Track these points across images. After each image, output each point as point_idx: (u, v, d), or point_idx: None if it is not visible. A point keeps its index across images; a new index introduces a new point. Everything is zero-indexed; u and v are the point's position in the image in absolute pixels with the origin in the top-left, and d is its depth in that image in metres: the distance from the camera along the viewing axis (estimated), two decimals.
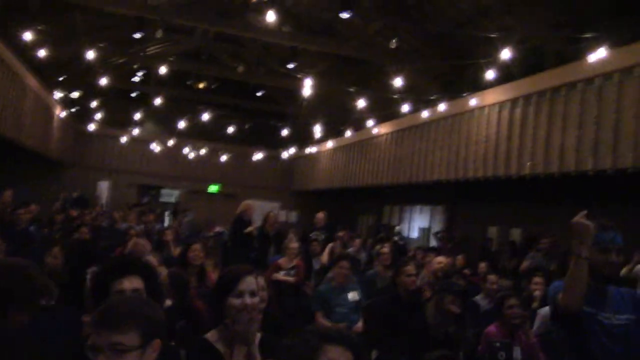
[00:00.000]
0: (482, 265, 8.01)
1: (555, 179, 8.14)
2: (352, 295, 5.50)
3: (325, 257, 7.84)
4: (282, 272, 6.50)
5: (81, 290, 4.09)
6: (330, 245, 8.20)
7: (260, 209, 11.15)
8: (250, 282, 2.33)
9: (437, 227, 14.24)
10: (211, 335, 2.35)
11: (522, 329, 4.22)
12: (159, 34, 11.34)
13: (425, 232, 14.98)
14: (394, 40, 10.21)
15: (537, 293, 5.48)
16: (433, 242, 13.45)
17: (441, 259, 6.36)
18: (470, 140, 10.05)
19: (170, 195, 21.72)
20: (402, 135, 12.79)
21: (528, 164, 8.47)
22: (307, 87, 11.71)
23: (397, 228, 15.25)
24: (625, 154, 6.82)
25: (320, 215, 9.24)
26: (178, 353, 2.41)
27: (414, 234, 15.51)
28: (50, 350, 2.71)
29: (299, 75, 12.49)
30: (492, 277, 6.02)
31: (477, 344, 4.23)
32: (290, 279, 6.49)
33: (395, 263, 7.09)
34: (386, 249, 6.74)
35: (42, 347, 2.56)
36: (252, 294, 2.31)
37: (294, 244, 7.21)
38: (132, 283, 2.25)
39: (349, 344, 1.64)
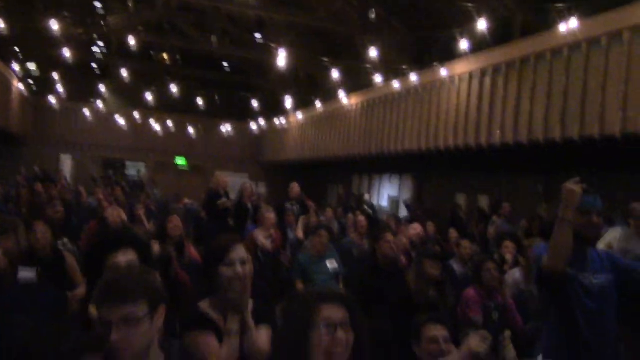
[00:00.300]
0: (452, 232, 8.22)
1: (524, 147, 8.34)
2: (331, 264, 5.58)
3: (299, 231, 7.87)
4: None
5: (64, 268, 4.06)
6: (302, 218, 8.25)
7: (229, 182, 11.08)
8: (240, 251, 2.35)
9: (406, 196, 14.45)
10: (204, 304, 2.37)
11: (499, 291, 4.38)
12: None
13: (394, 201, 15.19)
14: (372, 11, 10.15)
15: (508, 257, 5.66)
16: (403, 211, 13.66)
17: (417, 226, 6.48)
18: (440, 110, 10.18)
19: (135, 168, 21.38)
20: (373, 106, 12.85)
21: (498, 132, 8.65)
22: (279, 59, 11.59)
23: (366, 197, 15.40)
24: (592, 123, 7.02)
25: (295, 186, 9.24)
26: (174, 321, 2.44)
27: (384, 203, 15.71)
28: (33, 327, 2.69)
29: (272, 45, 12.33)
30: (465, 243, 6.18)
31: (455, 306, 4.37)
32: (268, 245, 6.53)
33: (370, 232, 7.23)
34: (362, 217, 6.82)
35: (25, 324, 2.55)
36: (243, 262, 2.33)
37: (270, 214, 7.21)
38: (126, 256, 2.25)
39: (344, 302, 1.71)
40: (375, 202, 15.40)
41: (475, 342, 2.14)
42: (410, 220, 9.97)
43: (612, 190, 7.21)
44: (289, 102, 15.12)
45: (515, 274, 5.14)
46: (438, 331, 2.62)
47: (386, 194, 15.79)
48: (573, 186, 2.51)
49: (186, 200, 16.12)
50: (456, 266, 5.97)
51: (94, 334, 1.53)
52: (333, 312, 1.65)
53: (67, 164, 19.23)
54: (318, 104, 15.35)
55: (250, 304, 2.34)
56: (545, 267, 2.57)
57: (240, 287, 2.25)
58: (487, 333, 2.18)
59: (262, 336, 2.29)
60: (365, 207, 13.43)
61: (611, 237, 6.88)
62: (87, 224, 7.12)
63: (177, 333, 2.37)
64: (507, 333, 2.24)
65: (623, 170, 7.99)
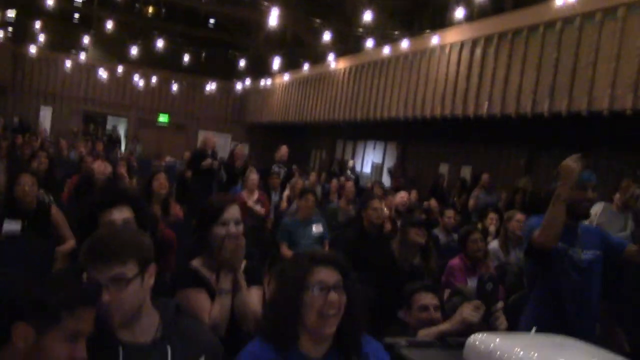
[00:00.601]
0: (433, 202, 8.30)
1: (511, 120, 8.38)
2: (316, 228, 5.61)
3: (284, 201, 7.84)
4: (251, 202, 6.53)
5: (49, 220, 4.00)
6: (289, 185, 8.25)
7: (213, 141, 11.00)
8: (234, 211, 2.36)
9: (390, 163, 14.50)
10: (196, 263, 2.38)
11: (483, 261, 4.44)
12: None
13: (378, 167, 15.24)
14: None
15: (492, 228, 5.75)
16: (385, 178, 13.74)
17: (403, 194, 6.53)
18: (429, 78, 10.13)
19: (117, 123, 21.03)
20: (361, 71, 12.74)
21: (485, 104, 8.66)
22: (271, 17, 11.35)
23: (349, 163, 15.44)
24: (581, 97, 7.06)
25: (283, 148, 9.20)
26: (161, 279, 2.42)
27: (367, 169, 15.76)
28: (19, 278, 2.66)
29: (264, 3, 12.06)
30: (449, 212, 6.26)
31: (439, 275, 4.43)
32: (260, 209, 6.54)
33: (356, 198, 7.27)
34: (350, 183, 6.84)
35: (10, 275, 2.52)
36: (237, 222, 2.34)
37: (254, 176, 7.19)
38: (122, 213, 2.21)
39: (337, 265, 1.73)
40: (358, 169, 15.46)
41: (468, 311, 2.17)
42: (393, 188, 10.06)
43: (597, 167, 7.32)
44: (275, 63, 14.88)
45: (493, 245, 5.22)
46: (429, 299, 2.66)
47: (370, 160, 15.82)
48: (572, 163, 2.52)
49: (168, 158, 16.01)
50: (440, 235, 6.05)
51: (88, 286, 1.48)
52: (326, 275, 1.68)
53: (46, 115, 18.83)
54: (305, 67, 15.16)
55: (243, 263, 2.35)
56: (536, 241, 2.60)
57: (233, 247, 2.25)
58: (480, 303, 2.21)
59: (254, 296, 2.31)
60: (349, 172, 13.50)
61: (592, 212, 6.99)
62: (68, 177, 7.03)
63: (166, 291, 2.37)
64: (500, 304, 2.26)
65: (610, 148, 8.08)
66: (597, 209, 6.07)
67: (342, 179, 10.20)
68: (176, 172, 11.03)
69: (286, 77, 16.84)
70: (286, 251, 5.50)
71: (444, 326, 2.21)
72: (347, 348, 1.71)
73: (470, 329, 2.10)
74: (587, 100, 6.97)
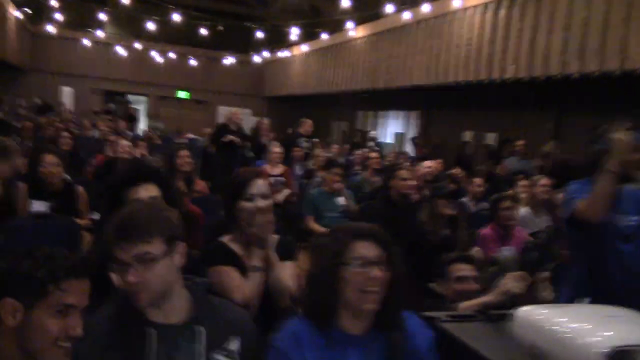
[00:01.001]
0: (458, 170, 8.15)
1: (539, 83, 8.11)
2: (342, 200, 5.53)
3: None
4: (271, 179, 6.46)
5: (75, 201, 3.99)
6: (313, 154, 8.19)
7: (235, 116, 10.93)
8: (261, 185, 2.28)
9: (412, 132, 14.28)
10: (226, 239, 2.32)
11: (515, 229, 4.34)
12: None
13: (400, 137, 15.04)
14: None
15: (523, 195, 5.60)
16: (408, 148, 13.55)
17: (430, 163, 6.39)
18: (451, 43, 9.85)
19: (137, 102, 21.05)
20: (381, 38, 12.45)
21: (512, 67, 8.39)
22: None
23: (372, 133, 15.25)
24: (612, 57, 6.77)
25: (308, 121, 9.13)
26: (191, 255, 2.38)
27: (389, 139, 15.56)
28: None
29: None
30: (477, 180, 6.12)
31: (470, 245, 4.34)
32: (286, 190, 6.49)
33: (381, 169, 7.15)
34: (375, 154, 6.73)
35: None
36: (264, 196, 2.27)
37: (277, 149, 7.14)
38: (148, 191, 2.15)
39: (378, 239, 1.64)
40: (380, 139, 15.27)
41: (512, 282, 2.08)
42: (418, 157, 9.91)
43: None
44: (293, 33, 14.63)
45: (523, 212, 5.09)
46: (466, 270, 2.58)
47: (392, 130, 15.61)
48: (623, 136, 2.38)
49: (189, 135, 16.01)
50: (468, 204, 5.92)
51: (76, 259, 1.41)
52: (367, 249, 1.61)
53: (67, 95, 18.92)
54: (323, 36, 14.88)
55: (275, 238, 2.28)
56: (580, 213, 2.47)
57: (262, 222, 2.18)
58: (524, 273, 2.12)
59: (288, 271, 2.25)
60: (371, 143, 13.34)
61: None
62: (92, 157, 7.05)
63: (194, 268, 2.33)
64: (545, 273, 2.16)
65: None
66: None
67: (366, 150, 10.08)
68: (198, 148, 11.03)
69: (304, 47, 16.58)
70: (312, 224, 5.45)
71: (486, 298, 2.13)
72: (388, 325, 1.64)
73: (513, 300, 2.02)
74: (620, 59, 6.68)
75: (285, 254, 2.30)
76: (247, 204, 2.22)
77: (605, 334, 1.51)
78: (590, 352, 1.44)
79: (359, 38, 13.43)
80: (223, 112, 15.11)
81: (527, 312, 1.64)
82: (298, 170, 7.84)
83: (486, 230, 4.29)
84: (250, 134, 9.03)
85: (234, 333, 1.62)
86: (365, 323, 1.65)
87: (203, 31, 15.98)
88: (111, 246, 1.51)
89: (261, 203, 2.23)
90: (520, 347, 1.64)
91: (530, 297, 2.06)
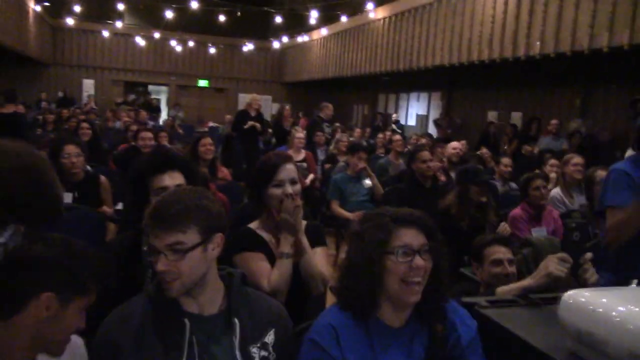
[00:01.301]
0: (484, 150, 7.98)
1: (566, 58, 7.87)
2: (368, 182, 5.45)
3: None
4: None
5: (99, 191, 3.96)
6: (335, 138, 8.11)
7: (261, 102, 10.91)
8: (290, 170, 2.21)
9: (434, 113, 14.07)
10: (254, 225, 2.26)
11: (546, 209, 4.19)
12: None
13: (422, 119, 14.83)
14: None
15: (552, 175, 5.44)
16: (432, 129, 13.36)
17: (456, 144, 6.25)
18: (475, 20, 9.60)
19: (158, 92, 21.12)
20: (401, 19, 12.22)
21: (537, 43, 8.14)
22: None
23: (394, 116, 15.07)
24: None
25: (329, 106, 9.04)
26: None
27: (411, 121, 15.36)
28: None
29: None
30: (506, 160, 5.97)
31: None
32: (310, 175, 6.42)
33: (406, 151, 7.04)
34: (398, 136, 6.61)
35: None
36: (293, 182, 2.20)
37: (300, 134, 7.06)
38: (173, 179, 2.09)
39: (422, 226, 1.55)
40: (402, 121, 15.08)
41: (555, 264, 1.96)
42: (441, 138, 9.73)
43: None
44: (312, 17, 14.46)
45: (554, 192, 4.94)
46: (502, 253, 2.47)
47: (414, 112, 15.39)
48: None
49: (210, 123, 16.03)
50: (497, 184, 5.78)
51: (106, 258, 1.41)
52: (411, 237, 1.51)
53: (89, 88, 19.07)
54: (343, 19, 14.68)
55: (303, 225, 2.21)
56: (607, 238, 2.32)
57: (292, 207, 2.10)
58: (566, 255, 2.00)
59: (320, 257, 2.17)
60: (394, 126, 13.18)
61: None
62: (114, 148, 7.05)
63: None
64: (589, 255, 2.04)
65: None
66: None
67: (388, 133, 9.95)
68: (219, 136, 11.02)
69: (324, 31, 16.40)
70: (338, 209, 5.38)
71: (527, 282, 2.01)
72: (430, 316, 1.54)
73: (556, 284, 1.91)
74: None
75: (315, 239, 2.23)
76: (276, 190, 2.16)
77: None
78: None
79: (379, 19, 13.21)
80: (243, 100, 15.09)
81: (577, 296, 1.53)
82: (320, 155, 7.76)
83: (516, 211, 4.16)
84: (273, 121, 8.98)
85: (269, 325, 1.58)
86: (406, 314, 1.56)
87: (221, 18, 15.90)
88: (147, 233, 1.49)
89: (290, 189, 2.17)
90: (569, 333, 1.54)
91: (574, 280, 1.95)
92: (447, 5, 10.42)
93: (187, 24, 17.98)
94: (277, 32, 18.13)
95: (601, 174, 3.60)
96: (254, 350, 1.51)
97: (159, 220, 1.46)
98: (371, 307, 1.53)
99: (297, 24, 16.96)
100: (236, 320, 1.52)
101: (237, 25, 17.44)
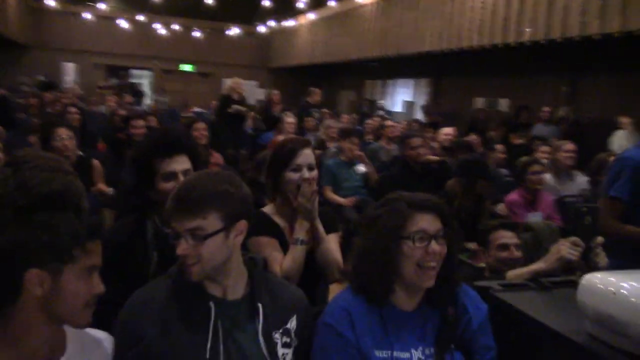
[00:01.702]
0: (474, 137, 7.99)
1: (556, 45, 7.89)
2: (362, 167, 5.43)
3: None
4: None
5: (91, 174, 3.89)
6: (324, 124, 8.05)
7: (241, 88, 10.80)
8: (308, 155, 2.18)
9: (421, 100, 14.08)
10: (269, 210, 2.23)
11: (542, 194, 4.22)
12: None
13: (409, 105, 14.83)
14: None
15: (544, 162, 5.47)
16: (419, 115, 13.35)
17: (448, 130, 6.24)
18: (465, 6, 9.58)
19: (142, 76, 20.80)
20: (390, 4, 12.15)
21: (528, 30, 8.15)
22: None
23: (380, 102, 15.04)
24: (634, 16, 6.54)
25: (317, 91, 8.97)
26: None
27: (398, 108, 15.36)
28: None
29: None
30: (500, 147, 5.99)
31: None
32: None
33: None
34: (390, 122, 6.59)
35: None
36: (311, 167, 2.17)
37: (290, 120, 7.02)
38: (181, 164, 2.03)
39: (438, 211, 1.54)
40: (389, 108, 15.07)
41: (566, 248, 1.96)
42: (429, 124, 9.72)
43: None
44: (300, 1, 14.31)
45: (547, 177, 4.98)
46: (509, 238, 2.47)
47: (400, 98, 15.38)
48: None
49: (195, 108, 15.84)
50: None
51: (89, 220, 1.35)
52: (427, 222, 1.51)
53: (70, 71, 18.71)
54: (331, 3, 14.55)
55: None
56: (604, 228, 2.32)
57: (309, 193, 2.07)
58: (578, 239, 2.00)
59: (333, 243, 2.15)
60: (381, 112, 13.15)
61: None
62: (101, 131, 6.94)
63: None
64: (599, 239, 2.04)
65: None
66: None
67: (377, 119, 9.91)
68: (205, 121, 10.88)
69: (311, 16, 16.26)
70: (331, 194, 5.35)
71: (537, 266, 2.01)
72: (442, 299, 1.55)
73: (567, 267, 1.91)
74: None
75: (327, 225, 2.21)
76: (292, 175, 2.13)
77: None
78: None
79: (368, 4, 13.12)
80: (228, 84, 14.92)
81: (597, 279, 1.53)
82: (310, 139, 7.71)
83: (513, 196, 4.18)
84: (260, 106, 8.90)
85: (291, 311, 1.57)
86: (418, 298, 1.58)
87: (207, 1, 15.68)
88: (169, 216, 1.48)
89: (307, 174, 2.14)
90: (588, 316, 1.54)
91: (585, 263, 1.95)
92: None
93: (172, 7, 17.67)
94: (263, 16, 17.93)
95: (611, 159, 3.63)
96: (277, 336, 1.50)
97: (180, 204, 1.45)
98: (385, 292, 1.54)
99: (284, 8, 16.78)
100: (260, 306, 1.51)
101: (223, 8, 17.19)
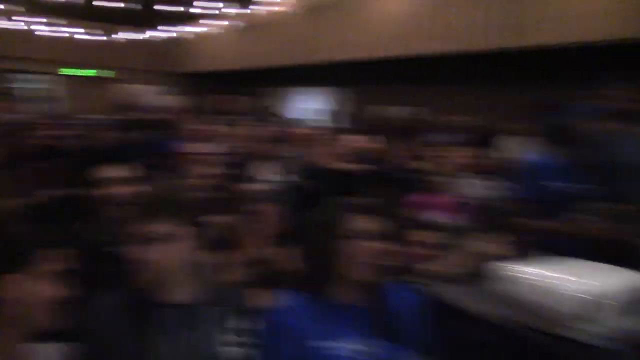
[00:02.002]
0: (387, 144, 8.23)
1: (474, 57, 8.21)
2: (274, 174, 5.43)
3: None
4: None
5: None
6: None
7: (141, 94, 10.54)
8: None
9: (329, 108, 14.27)
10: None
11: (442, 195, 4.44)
12: None
13: (316, 113, 14.99)
14: None
15: (441, 165, 5.74)
16: (326, 123, 13.51)
17: (358, 138, 6.32)
18: (382, 17, 9.75)
19: (28, 81, 19.43)
20: (302, 13, 12.19)
21: (437, 41, 8.45)
22: None
23: (273, 108, 15.03)
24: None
25: (225, 98, 8.91)
26: None
27: (304, 115, 15.49)
28: None
29: None
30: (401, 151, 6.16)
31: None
32: None
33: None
34: (300, 129, 6.58)
35: None
36: None
37: (196, 126, 6.87)
38: (119, 171, 2.20)
39: (371, 212, 1.65)
40: (294, 115, 15.14)
41: (482, 243, 2.12)
42: (338, 131, 9.85)
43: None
44: (205, 7, 14.09)
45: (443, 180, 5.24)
46: (426, 236, 2.60)
47: (307, 106, 15.54)
48: None
49: (91, 115, 15.09)
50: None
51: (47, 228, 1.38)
52: (365, 222, 1.62)
53: None
54: (239, 11, 14.45)
55: None
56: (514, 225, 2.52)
57: None
58: (494, 234, 2.15)
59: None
60: (276, 118, 13.14)
61: None
62: None
63: None
64: (506, 234, 2.22)
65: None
66: None
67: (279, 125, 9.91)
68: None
69: (218, 22, 16.04)
70: None
71: (455, 260, 2.15)
72: (374, 293, 1.66)
73: (482, 260, 2.04)
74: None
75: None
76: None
77: (585, 282, 1.59)
78: (575, 300, 1.51)
79: (280, 12, 13.09)
80: (128, 90, 14.42)
81: (507, 269, 1.69)
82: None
83: (413, 197, 4.37)
84: (162, 113, 8.70)
85: (244, 312, 1.64)
86: (356, 292, 1.65)
87: (103, 4, 14.99)
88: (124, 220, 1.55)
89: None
90: (503, 302, 1.69)
91: (494, 255, 2.11)
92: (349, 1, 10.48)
93: (61, 9, 16.68)
94: (163, 21, 17.49)
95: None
96: (231, 336, 1.57)
97: (140, 210, 1.52)
98: (326, 287, 1.62)
99: (186, 14, 16.46)
100: (211, 309, 1.57)
101: (119, 11, 16.58)
